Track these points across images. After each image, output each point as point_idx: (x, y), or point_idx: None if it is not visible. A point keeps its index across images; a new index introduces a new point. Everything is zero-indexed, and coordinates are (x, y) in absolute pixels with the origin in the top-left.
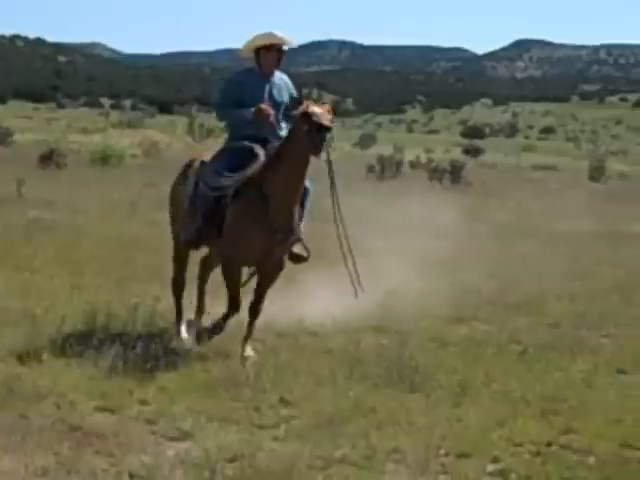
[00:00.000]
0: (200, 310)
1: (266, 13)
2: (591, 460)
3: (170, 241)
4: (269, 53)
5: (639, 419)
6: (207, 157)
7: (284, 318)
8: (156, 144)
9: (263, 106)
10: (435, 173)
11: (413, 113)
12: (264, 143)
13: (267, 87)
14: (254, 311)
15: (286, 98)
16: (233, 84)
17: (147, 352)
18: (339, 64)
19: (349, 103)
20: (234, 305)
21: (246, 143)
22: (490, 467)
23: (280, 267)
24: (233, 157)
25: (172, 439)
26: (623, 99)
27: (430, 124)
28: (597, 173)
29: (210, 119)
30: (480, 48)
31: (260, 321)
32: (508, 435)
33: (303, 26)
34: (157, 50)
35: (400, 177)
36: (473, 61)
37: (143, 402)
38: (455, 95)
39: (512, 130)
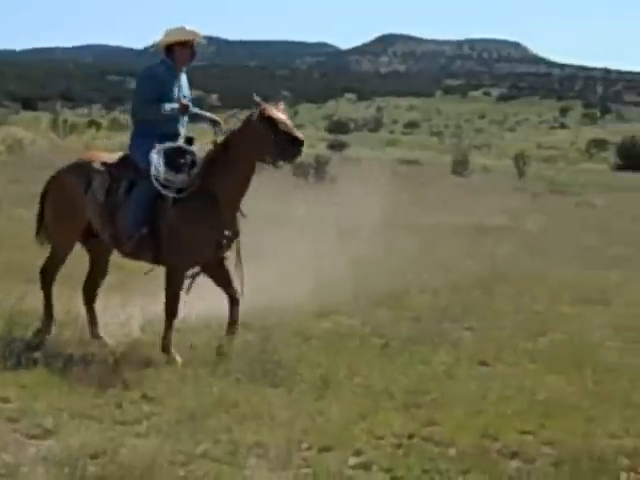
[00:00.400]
0: (93, 322)
1: (131, 9)
2: (452, 452)
3: (33, 238)
4: (184, 49)
5: (499, 410)
6: (108, 159)
7: (147, 314)
8: (20, 141)
9: (184, 102)
10: (300, 168)
11: None
12: (189, 141)
13: (179, 82)
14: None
15: (186, 94)
16: (149, 79)
17: (8, 350)
18: (205, 60)
19: (214, 99)
20: (174, 313)
21: (176, 143)
22: (352, 460)
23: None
24: (170, 156)
25: (34, 437)
26: (486, 93)
27: (295, 119)
28: (460, 167)
29: (74, 115)
30: (344, 43)
31: (122, 317)
32: (370, 428)
33: (167, 22)
34: (19, 46)
35: (264, 173)
36: (337, 56)
37: (4, 400)
38: (320, 90)
39: (377, 125)
